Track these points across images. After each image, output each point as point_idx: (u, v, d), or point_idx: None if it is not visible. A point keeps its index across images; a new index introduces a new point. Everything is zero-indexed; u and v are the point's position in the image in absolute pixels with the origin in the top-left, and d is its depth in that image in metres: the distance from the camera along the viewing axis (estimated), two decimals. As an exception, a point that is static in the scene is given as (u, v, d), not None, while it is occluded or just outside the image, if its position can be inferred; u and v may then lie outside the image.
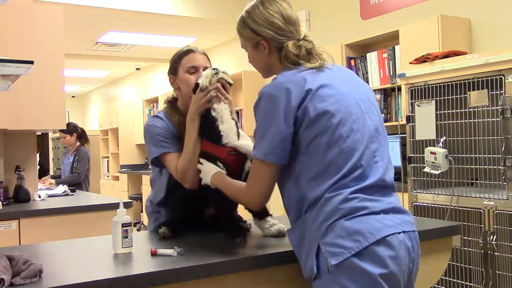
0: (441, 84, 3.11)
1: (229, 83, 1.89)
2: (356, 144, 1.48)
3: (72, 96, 13.35)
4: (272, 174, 1.54)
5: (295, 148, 1.51)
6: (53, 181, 5.33)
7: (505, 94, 2.77)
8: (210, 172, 1.77)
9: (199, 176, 1.85)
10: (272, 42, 1.62)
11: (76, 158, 5.45)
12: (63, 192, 3.93)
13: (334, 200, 1.43)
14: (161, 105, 8.75)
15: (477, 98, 2.91)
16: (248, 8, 1.67)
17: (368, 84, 4.42)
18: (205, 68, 2.06)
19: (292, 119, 1.48)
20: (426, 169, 3.11)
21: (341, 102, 1.51)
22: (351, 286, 1.38)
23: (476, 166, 2.97)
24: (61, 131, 5.43)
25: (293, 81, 1.52)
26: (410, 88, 3.30)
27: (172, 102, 2.16)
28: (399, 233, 1.44)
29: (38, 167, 4.12)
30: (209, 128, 1.84)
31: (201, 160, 1.83)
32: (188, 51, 2.09)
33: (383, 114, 4.26)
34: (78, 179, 5.30)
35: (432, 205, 3.16)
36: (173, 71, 2.12)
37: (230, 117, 1.84)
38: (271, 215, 1.87)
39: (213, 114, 1.84)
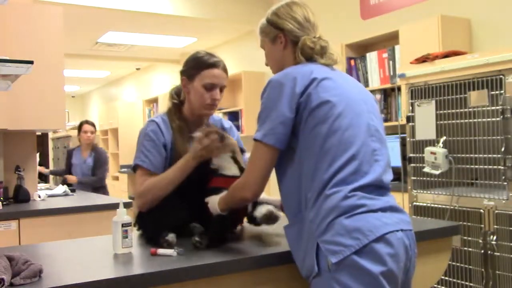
0: (441, 84, 3.11)
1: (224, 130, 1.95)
2: (354, 138, 1.50)
3: (72, 96, 13.36)
4: (268, 158, 1.54)
5: (297, 139, 1.53)
6: (42, 168, 5.26)
7: (505, 94, 2.77)
8: (215, 202, 1.74)
9: (155, 202, 1.89)
10: (289, 35, 1.68)
11: (96, 158, 5.27)
12: (63, 192, 3.92)
13: (333, 198, 1.44)
14: (161, 105, 8.75)
15: (477, 98, 2.91)
16: (274, 8, 1.75)
17: (368, 84, 4.43)
18: (222, 87, 2.03)
19: (295, 105, 1.52)
20: (426, 169, 3.11)
21: (344, 96, 1.55)
22: (351, 284, 1.38)
23: (476, 166, 2.97)
24: (92, 125, 5.34)
25: (301, 71, 1.57)
26: (410, 88, 3.30)
27: (178, 106, 2.09)
28: (397, 231, 1.45)
29: (38, 167, 4.12)
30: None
31: (207, 199, 1.80)
32: (212, 65, 2.00)
33: (383, 114, 4.26)
34: (100, 183, 5.20)
35: (432, 205, 3.16)
36: (189, 76, 2.03)
37: (231, 163, 1.84)
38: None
39: (213, 167, 1.86)
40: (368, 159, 1.51)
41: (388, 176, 1.57)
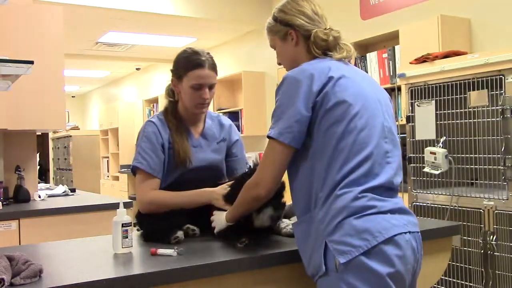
0: (441, 84, 3.11)
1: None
2: (369, 139, 1.49)
3: (72, 96, 13.36)
4: (283, 156, 1.52)
5: (310, 138, 1.52)
6: None
7: (505, 94, 2.77)
8: (221, 218, 1.76)
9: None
10: (300, 30, 1.65)
11: None
12: (63, 192, 3.92)
13: (344, 198, 1.44)
14: (161, 105, 8.77)
15: (477, 98, 2.91)
16: (279, 5, 1.72)
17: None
18: (211, 86, 2.03)
19: (311, 104, 1.49)
20: (426, 169, 3.11)
21: (360, 96, 1.53)
22: (358, 285, 1.38)
23: (476, 166, 2.97)
24: None
25: (318, 68, 1.54)
26: (410, 88, 3.30)
27: (173, 104, 2.12)
28: (405, 233, 1.45)
29: (38, 167, 4.11)
30: None
31: (215, 212, 1.83)
32: (198, 66, 1.99)
33: (383, 114, 4.25)
34: None
35: (432, 205, 3.16)
36: (178, 77, 2.04)
37: None
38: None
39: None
40: (380, 161, 1.50)
41: (398, 178, 1.56)
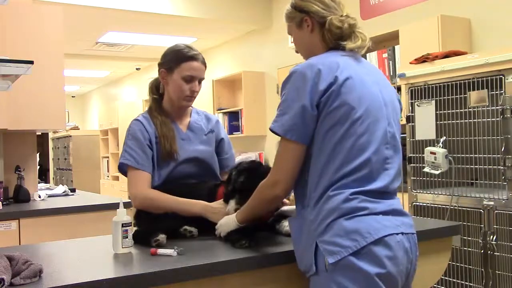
0: (441, 84, 3.11)
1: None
2: (368, 144, 1.48)
3: (72, 96, 13.36)
4: (293, 153, 1.50)
5: (311, 140, 1.51)
6: None
7: (505, 94, 2.77)
8: (229, 222, 1.73)
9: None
10: (315, 17, 1.63)
11: None
12: (63, 192, 3.92)
13: (335, 199, 1.44)
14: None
15: (477, 98, 2.91)
16: None
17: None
18: (200, 80, 2.07)
19: (316, 102, 1.47)
20: (426, 169, 3.11)
21: (365, 99, 1.51)
22: (348, 285, 1.39)
23: (476, 166, 2.97)
24: None
25: (326, 63, 1.51)
26: (410, 88, 3.30)
27: (158, 101, 2.13)
28: (397, 234, 1.44)
29: (38, 167, 4.12)
30: None
31: (217, 226, 1.81)
32: (191, 58, 2.04)
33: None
34: None
35: (432, 205, 3.16)
36: (168, 69, 2.06)
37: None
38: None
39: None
40: (378, 167, 1.49)
41: (396, 184, 1.55)
